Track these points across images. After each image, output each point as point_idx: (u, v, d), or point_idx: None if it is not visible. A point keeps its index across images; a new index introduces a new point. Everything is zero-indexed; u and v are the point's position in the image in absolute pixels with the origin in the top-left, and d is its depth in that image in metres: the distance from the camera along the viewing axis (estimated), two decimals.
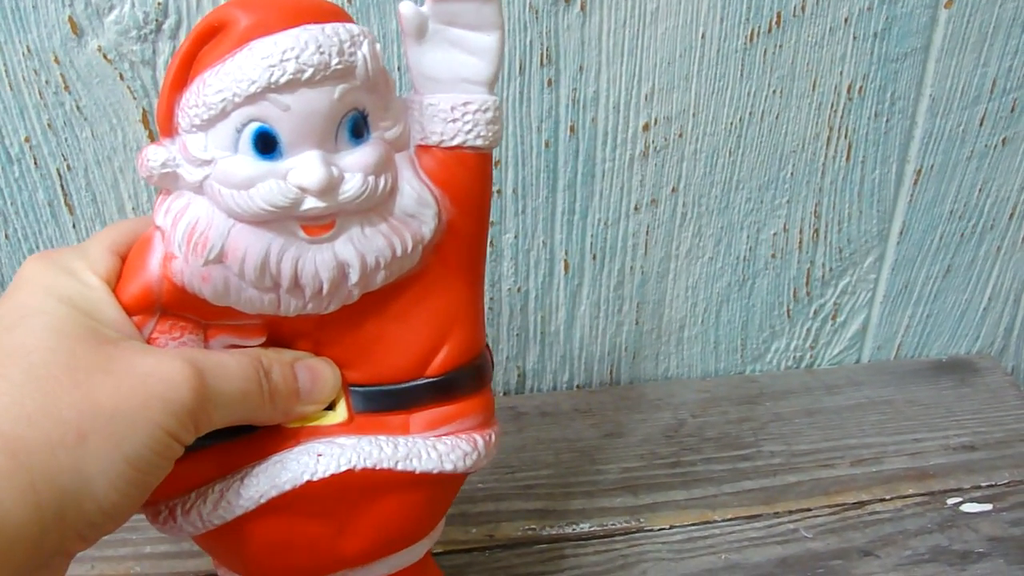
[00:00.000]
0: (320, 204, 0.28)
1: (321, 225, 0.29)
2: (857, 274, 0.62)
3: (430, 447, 0.33)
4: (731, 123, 0.54)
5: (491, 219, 0.34)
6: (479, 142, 0.31)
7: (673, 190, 0.55)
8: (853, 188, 0.58)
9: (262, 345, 0.32)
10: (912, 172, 0.58)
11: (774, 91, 0.54)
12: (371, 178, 0.29)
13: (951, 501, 0.51)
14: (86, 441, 0.26)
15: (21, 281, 0.29)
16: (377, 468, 0.32)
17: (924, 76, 0.55)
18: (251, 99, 0.27)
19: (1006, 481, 0.53)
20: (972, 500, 0.51)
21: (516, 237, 0.55)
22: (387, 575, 0.36)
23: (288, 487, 0.31)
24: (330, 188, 0.28)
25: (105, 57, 0.46)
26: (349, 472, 0.31)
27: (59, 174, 0.49)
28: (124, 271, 0.30)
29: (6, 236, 0.50)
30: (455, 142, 0.31)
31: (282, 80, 0.27)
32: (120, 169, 0.49)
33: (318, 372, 0.32)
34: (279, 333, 0.32)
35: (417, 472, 0.32)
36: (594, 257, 0.57)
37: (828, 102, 0.54)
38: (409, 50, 0.31)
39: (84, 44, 0.45)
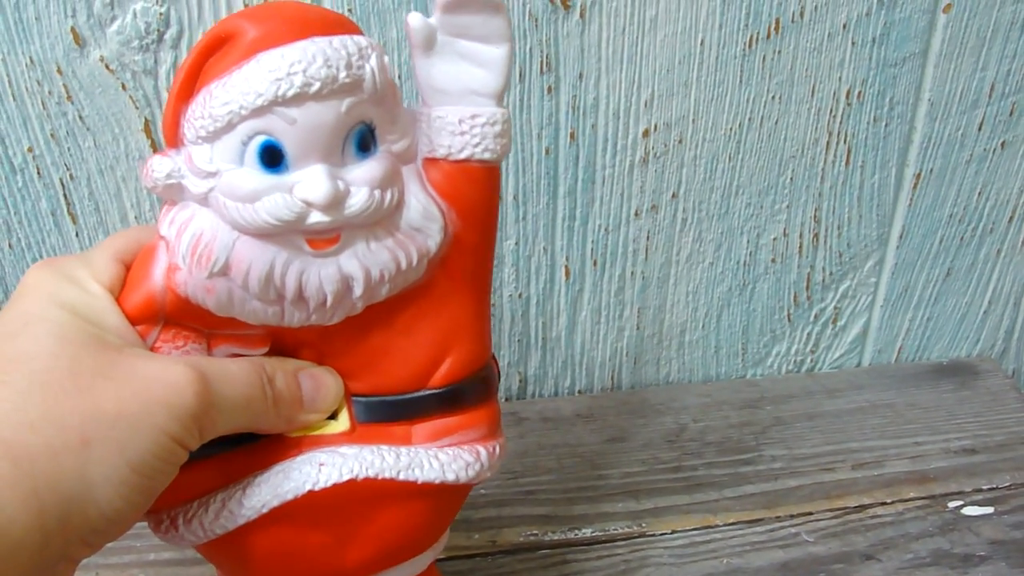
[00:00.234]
0: (325, 218, 0.28)
1: (326, 239, 0.29)
2: (857, 278, 0.62)
3: (432, 457, 0.32)
4: (731, 129, 0.54)
5: None
6: (487, 155, 0.31)
7: (673, 196, 0.56)
8: (853, 192, 0.58)
9: (265, 355, 0.32)
10: (911, 176, 0.58)
11: (773, 97, 0.54)
12: (377, 192, 0.29)
13: (952, 504, 0.51)
14: (89, 447, 0.26)
15: (25, 289, 0.29)
16: (379, 478, 0.31)
17: (923, 81, 0.55)
18: (257, 112, 0.27)
19: (1007, 484, 0.53)
20: (973, 503, 0.52)
21: (517, 243, 0.55)
22: None
23: (290, 496, 0.31)
24: (336, 202, 0.28)
25: (107, 67, 0.46)
26: (351, 482, 0.31)
27: (62, 183, 0.49)
28: (128, 280, 0.30)
29: (10, 245, 0.50)
30: (462, 155, 0.31)
31: (289, 93, 0.27)
32: (123, 178, 0.49)
33: (321, 381, 0.32)
34: (282, 343, 0.32)
35: (419, 482, 0.32)
36: (595, 263, 0.57)
37: (827, 107, 0.55)
38: (417, 62, 0.30)
39: (86, 54, 0.46)
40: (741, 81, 0.53)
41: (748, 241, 0.58)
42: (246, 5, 0.46)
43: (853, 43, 0.53)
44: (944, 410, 0.59)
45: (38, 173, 0.48)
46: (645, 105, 0.52)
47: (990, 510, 0.51)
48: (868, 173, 0.58)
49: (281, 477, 0.32)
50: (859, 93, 0.55)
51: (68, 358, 0.27)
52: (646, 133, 0.53)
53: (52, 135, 0.47)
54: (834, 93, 0.54)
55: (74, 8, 0.44)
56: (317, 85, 0.27)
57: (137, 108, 0.47)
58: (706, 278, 0.59)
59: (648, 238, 0.57)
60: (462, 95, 0.31)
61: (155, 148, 0.49)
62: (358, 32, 0.29)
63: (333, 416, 0.33)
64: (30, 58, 0.45)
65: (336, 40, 0.28)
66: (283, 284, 0.29)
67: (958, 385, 0.62)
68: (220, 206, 0.28)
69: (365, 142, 0.29)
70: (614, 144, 0.53)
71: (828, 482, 0.53)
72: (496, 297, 0.57)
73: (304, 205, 0.28)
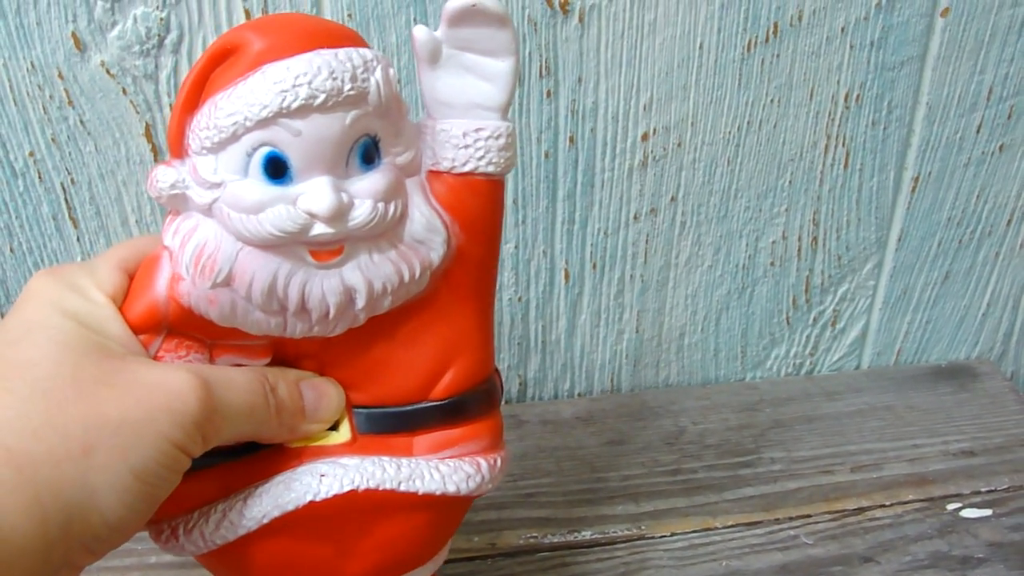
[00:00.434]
0: (329, 230, 0.28)
1: (330, 251, 0.29)
2: (856, 281, 0.62)
3: (433, 468, 0.32)
4: (729, 132, 0.54)
5: None
6: (490, 168, 0.31)
7: (672, 199, 0.56)
8: (851, 196, 0.58)
9: (267, 365, 0.32)
10: (910, 179, 0.58)
11: (772, 100, 0.54)
12: (381, 204, 0.29)
13: (951, 507, 0.52)
14: (92, 454, 0.26)
15: (28, 296, 0.30)
16: (380, 489, 0.31)
17: (921, 84, 0.55)
18: (262, 123, 0.27)
19: (1006, 486, 0.53)
20: (972, 505, 0.52)
21: (516, 247, 0.55)
22: None
23: (291, 507, 0.31)
24: (339, 214, 0.28)
25: (108, 72, 0.46)
26: (352, 492, 0.31)
27: (63, 188, 0.49)
28: (131, 290, 0.30)
29: (11, 249, 0.50)
30: (466, 168, 0.31)
31: (294, 105, 0.27)
32: (123, 182, 0.49)
33: (323, 391, 0.32)
34: (284, 353, 0.32)
35: (420, 493, 0.32)
36: (594, 266, 0.57)
37: (826, 111, 0.55)
38: (423, 75, 0.30)
39: (87, 59, 0.46)
40: (740, 85, 0.53)
41: (747, 244, 0.59)
42: (246, 10, 0.46)
43: (851, 47, 0.53)
44: (943, 412, 0.59)
45: (39, 177, 0.48)
46: (644, 109, 0.53)
47: (988, 512, 0.51)
48: (867, 176, 0.58)
49: (282, 488, 0.32)
50: (857, 97, 0.55)
51: (71, 366, 0.27)
52: (645, 137, 0.53)
53: (53, 139, 0.47)
54: (832, 96, 0.54)
55: (75, 13, 0.44)
56: (322, 97, 0.27)
57: (138, 112, 0.47)
58: (705, 281, 0.59)
59: (647, 241, 0.57)
60: (467, 108, 0.31)
61: (156, 152, 0.49)
62: (364, 45, 0.29)
63: (334, 427, 0.33)
64: (31, 63, 0.45)
65: (341, 52, 0.28)
66: (286, 295, 0.29)
67: (957, 387, 0.62)
68: (224, 217, 0.28)
69: (369, 154, 0.29)
70: (613, 148, 0.53)
71: (827, 484, 0.53)
72: (496, 300, 0.56)
73: (308, 217, 0.28)
